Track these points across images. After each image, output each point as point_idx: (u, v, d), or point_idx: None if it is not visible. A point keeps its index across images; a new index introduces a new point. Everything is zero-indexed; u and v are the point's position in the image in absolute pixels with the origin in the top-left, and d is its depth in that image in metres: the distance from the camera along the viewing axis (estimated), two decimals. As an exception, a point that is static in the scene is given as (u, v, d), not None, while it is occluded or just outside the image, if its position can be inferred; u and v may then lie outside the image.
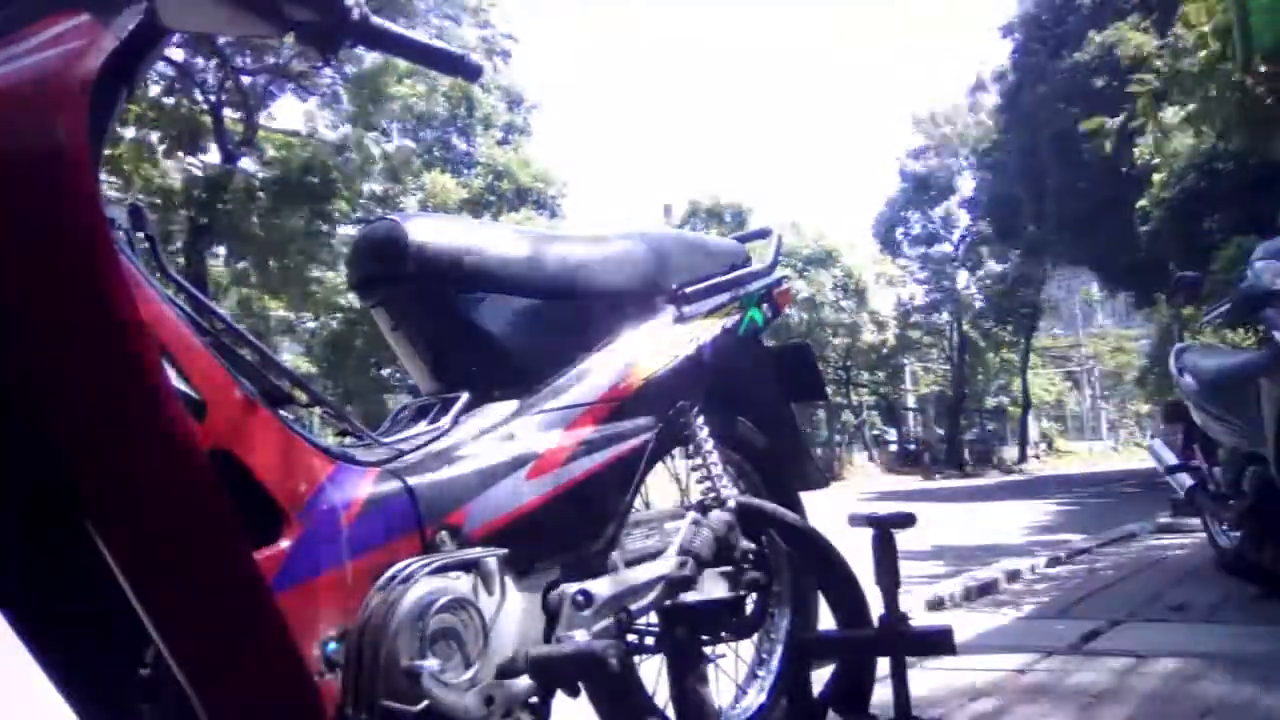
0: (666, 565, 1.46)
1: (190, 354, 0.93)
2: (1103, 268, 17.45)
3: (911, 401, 31.03)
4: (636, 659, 1.54)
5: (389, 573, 1.07)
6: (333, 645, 1.01)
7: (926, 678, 2.47)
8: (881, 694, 1.66)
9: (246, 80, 13.58)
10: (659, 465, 1.64)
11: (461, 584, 1.14)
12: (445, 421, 1.30)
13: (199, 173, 13.17)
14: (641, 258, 1.61)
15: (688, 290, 1.64)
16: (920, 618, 3.21)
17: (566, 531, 1.35)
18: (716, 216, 23.91)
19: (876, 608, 1.65)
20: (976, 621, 3.34)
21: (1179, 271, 4.49)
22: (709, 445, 1.63)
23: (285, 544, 0.98)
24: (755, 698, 1.79)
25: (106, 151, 0.99)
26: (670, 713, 1.51)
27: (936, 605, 3.73)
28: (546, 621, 1.29)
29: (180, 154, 12.90)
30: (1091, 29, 15.17)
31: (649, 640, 1.48)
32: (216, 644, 0.90)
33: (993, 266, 27.49)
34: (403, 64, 13.00)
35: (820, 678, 1.74)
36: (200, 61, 13.07)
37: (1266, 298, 3.12)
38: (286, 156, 13.93)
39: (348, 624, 1.03)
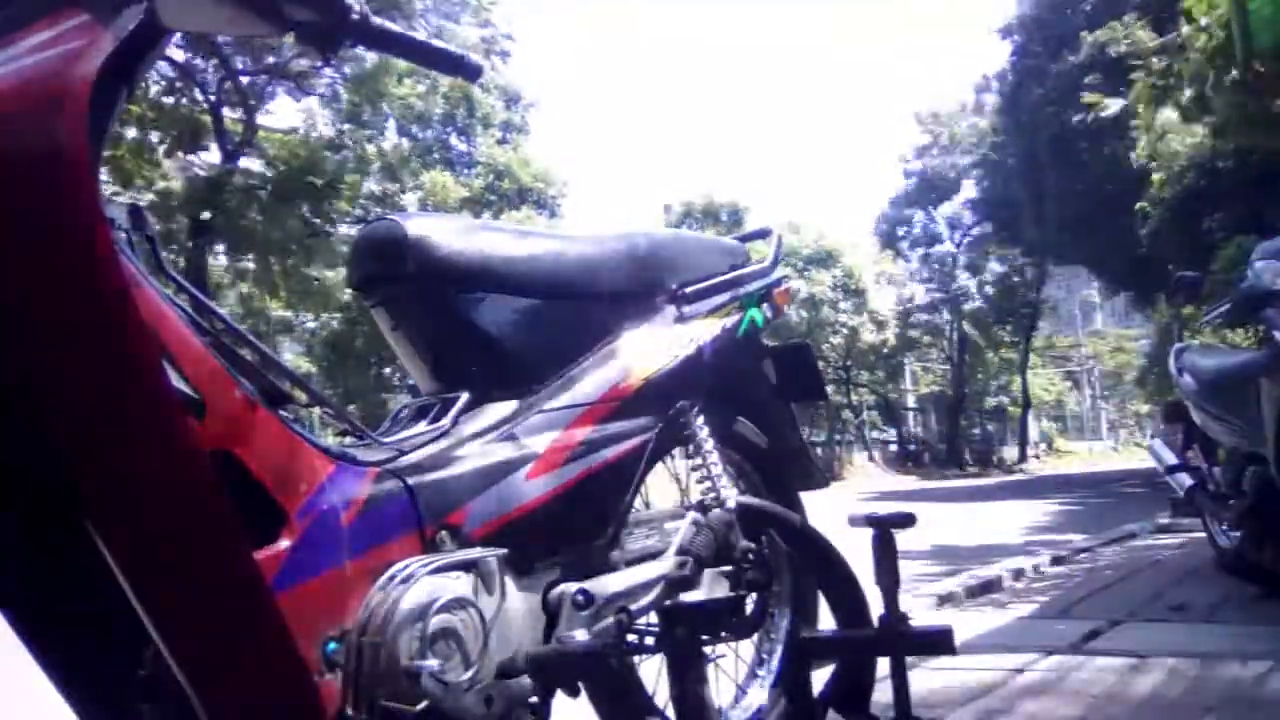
0: (666, 565, 1.46)
1: (190, 354, 0.93)
2: (1103, 268, 17.47)
3: (911, 401, 31.03)
4: (636, 659, 1.54)
5: (389, 573, 1.07)
6: (333, 645, 1.01)
7: (926, 678, 2.47)
8: (881, 694, 1.66)
9: (246, 80, 13.57)
10: (659, 465, 1.64)
11: (461, 584, 1.14)
12: (445, 421, 1.30)
13: (201, 172, 13.16)
14: (641, 258, 1.61)
15: (688, 290, 1.64)
16: (924, 616, 3.22)
17: (566, 531, 1.35)
18: (712, 216, 23.91)
19: (876, 608, 1.65)
20: (976, 621, 3.34)
21: (1179, 271, 4.49)
22: (709, 445, 1.63)
23: (285, 544, 0.98)
24: (755, 698, 1.79)
25: (106, 151, 0.99)
26: (670, 713, 1.51)
27: (945, 600, 3.74)
28: (546, 621, 1.29)
29: (180, 154, 12.89)
30: (1089, 30, 15.19)
31: (649, 640, 1.48)
32: (216, 644, 0.90)
33: (994, 267, 27.50)
34: (402, 64, 13.00)
35: (820, 678, 1.74)
36: (200, 62, 13.07)
37: (1267, 298, 3.12)
38: (286, 156, 13.92)
39: (348, 624, 1.03)
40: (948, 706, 2.22)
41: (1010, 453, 30.57)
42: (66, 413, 0.81)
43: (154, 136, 12.58)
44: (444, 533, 1.17)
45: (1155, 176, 9.77)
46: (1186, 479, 4.28)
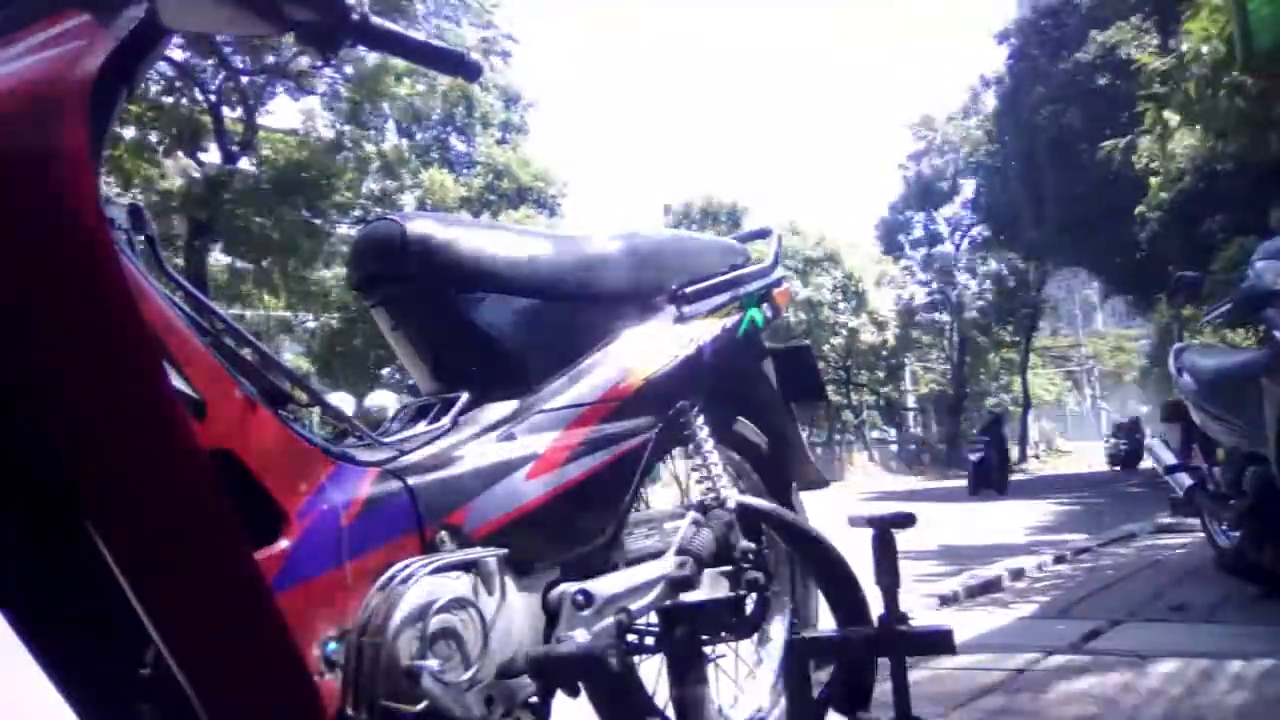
0: (666, 565, 1.46)
1: (190, 354, 0.93)
2: (1103, 270, 17.47)
3: (911, 401, 31.03)
4: (636, 659, 1.54)
5: (389, 573, 1.07)
6: (333, 645, 1.01)
7: (926, 678, 2.47)
8: (881, 694, 1.66)
9: (246, 80, 13.57)
10: (659, 465, 1.64)
11: (461, 584, 1.14)
12: (445, 421, 1.30)
13: (197, 174, 13.16)
14: (641, 258, 1.61)
15: (688, 290, 1.64)
16: (924, 616, 3.22)
17: (566, 531, 1.35)
18: (712, 217, 23.91)
19: (876, 608, 1.65)
20: (977, 621, 3.34)
21: (1179, 272, 4.49)
22: (709, 445, 1.63)
23: (285, 544, 0.98)
24: (755, 698, 1.79)
25: (106, 152, 0.99)
26: (670, 713, 1.51)
27: (945, 601, 3.74)
28: (546, 621, 1.29)
29: (180, 154, 12.90)
30: (1091, 29, 15.19)
31: (649, 640, 1.48)
32: (216, 644, 0.90)
33: (993, 267, 27.51)
34: (402, 63, 13.00)
35: (820, 678, 1.74)
36: (200, 61, 13.06)
37: (1267, 298, 3.13)
38: (285, 155, 13.92)
39: (348, 624, 1.03)
40: (948, 706, 2.22)
41: (1010, 453, 30.54)
42: (66, 413, 0.81)
43: (154, 136, 12.59)
44: (444, 533, 1.17)
45: (1153, 180, 9.78)
46: (1186, 479, 4.28)
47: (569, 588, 1.29)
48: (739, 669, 1.81)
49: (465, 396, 1.35)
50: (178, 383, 0.89)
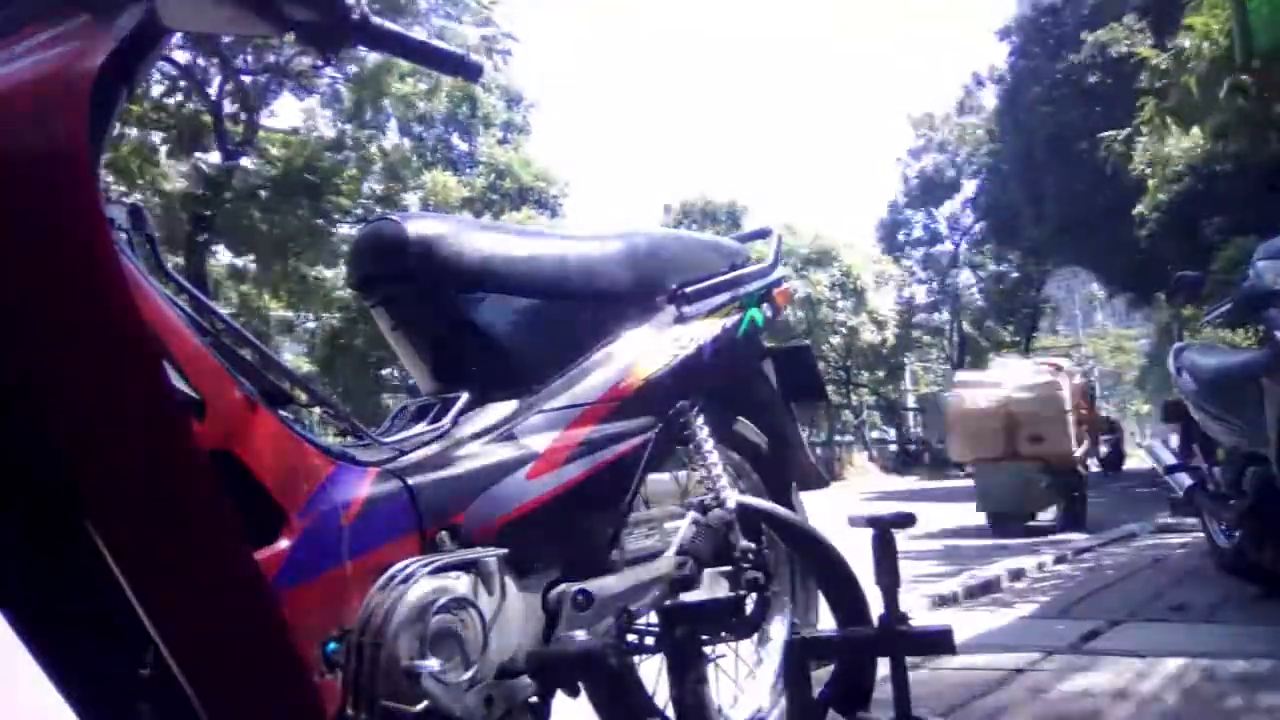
0: (666, 565, 1.46)
1: (190, 354, 0.93)
2: (1102, 269, 17.46)
3: (911, 401, 31.01)
4: (636, 659, 1.54)
5: (389, 573, 1.07)
6: (333, 645, 1.01)
7: (926, 678, 2.47)
8: (881, 694, 1.66)
9: (247, 80, 13.57)
10: (659, 465, 1.64)
11: (461, 584, 1.14)
12: (445, 421, 1.30)
13: (207, 169, 13.15)
14: (641, 258, 1.61)
15: (688, 290, 1.64)
16: (924, 616, 3.22)
17: (566, 531, 1.35)
18: (711, 216, 23.91)
19: (876, 608, 1.65)
20: (976, 621, 3.34)
21: (1179, 272, 4.49)
22: (709, 445, 1.63)
23: (285, 544, 0.98)
24: (755, 698, 1.79)
25: (106, 152, 0.99)
26: (670, 713, 1.51)
27: (946, 602, 3.74)
28: (546, 621, 1.29)
29: (180, 154, 12.90)
30: (1085, 29, 15.20)
31: (649, 640, 1.48)
32: (216, 644, 0.90)
33: (993, 267, 27.50)
34: (404, 63, 13.00)
35: (820, 678, 1.74)
36: (201, 61, 13.06)
37: (1268, 298, 3.12)
38: (287, 155, 13.92)
39: (348, 624, 1.03)
40: (948, 706, 2.22)
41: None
42: (66, 413, 0.81)
43: (154, 136, 12.58)
44: (444, 533, 1.17)
45: (1150, 183, 9.77)
46: (1186, 479, 4.28)
47: (569, 588, 1.29)
48: (739, 669, 1.81)
49: (465, 396, 1.35)
50: (178, 383, 0.90)
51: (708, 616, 1.51)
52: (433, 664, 1.05)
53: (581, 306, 1.50)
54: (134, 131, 11.79)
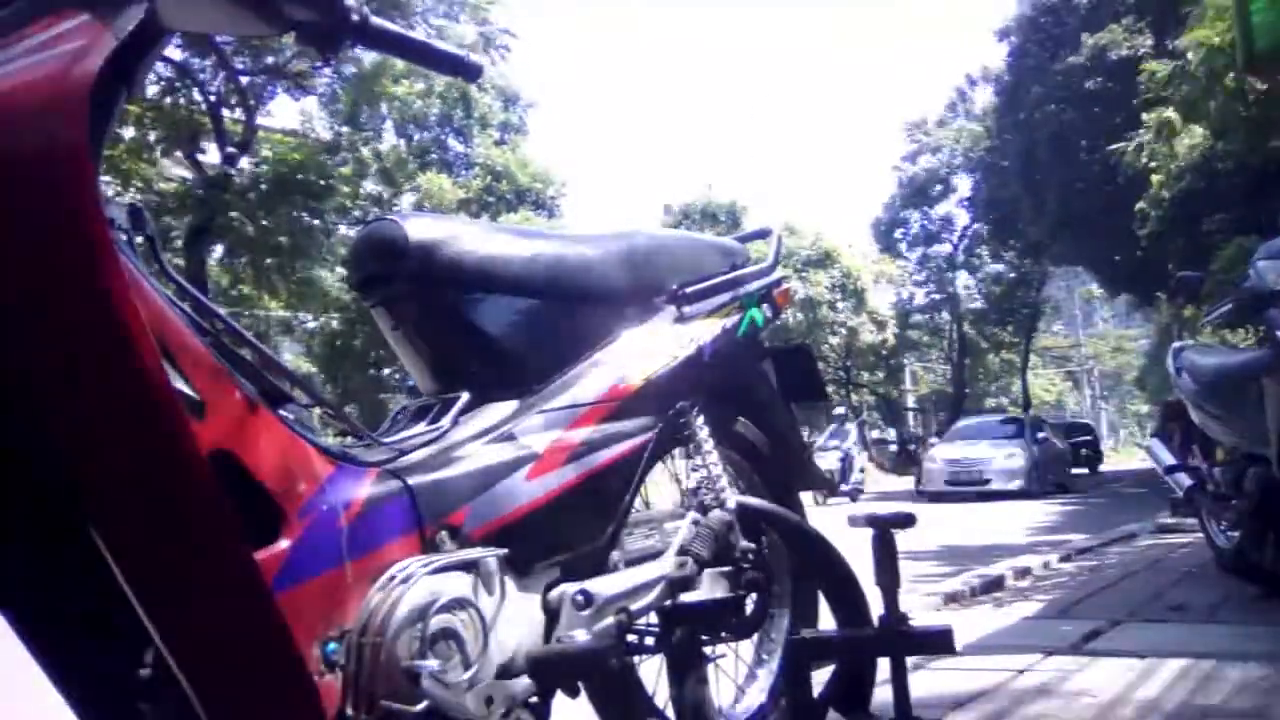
0: (666, 565, 1.46)
1: (190, 354, 0.93)
2: (1103, 269, 17.47)
3: (911, 401, 31.02)
4: (636, 659, 1.54)
5: (389, 573, 1.07)
6: (333, 645, 1.01)
7: (926, 678, 2.47)
8: (881, 694, 1.66)
9: (245, 80, 13.56)
10: (659, 465, 1.64)
11: (461, 584, 1.14)
12: (445, 421, 1.30)
13: (210, 169, 13.14)
14: (641, 258, 1.61)
15: (688, 290, 1.64)
16: (924, 616, 3.22)
17: (566, 531, 1.35)
18: (711, 217, 23.91)
19: (876, 608, 1.65)
20: (977, 621, 3.34)
21: (1179, 272, 4.49)
22: (709, 445, 1.63)
23: (285, 544, 0.98)
24: (755, 698, 1.79)
25: (106, 151, 0.99)
26: (670, 713, 1.51)
27: (946, 600, 3.74)
28: (546, 621, 1.29)
29: (179, 154, 12.89)
30: (1085, 31, 15.21)
31: (649, 640, 1.48)
32: (216, 644, 0.90)
33: (993, 267, 27.49)
34: (400, 64, 13.00)
35: (820, 678, 1.74)
36: (200, 61, 13.05)
37: (1269, 298, 3.12)
38: (284, 156, 13.92)
39: (348, 624, 1.03)
40: (948, 707, 2.22)
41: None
42: (66, 413, 0.81)
43: (153, 136, 12.58)
44: (444, 533, 1.17)
45: (1154, 179, 9.78)
46: (1186, 479, 4.28)
47: (569, 588, 1.29)
48: (739, 669, 1.81)
49: (465, 396, 1.35)
50: (178, 383, 0.89)
51: (708, 616, 1.51)
52: (433, 664, 1.05)
53: (581, 307, 1.51)
54: (131, 131, 11.79)
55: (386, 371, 17.51)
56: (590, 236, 1.61)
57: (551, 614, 1.29)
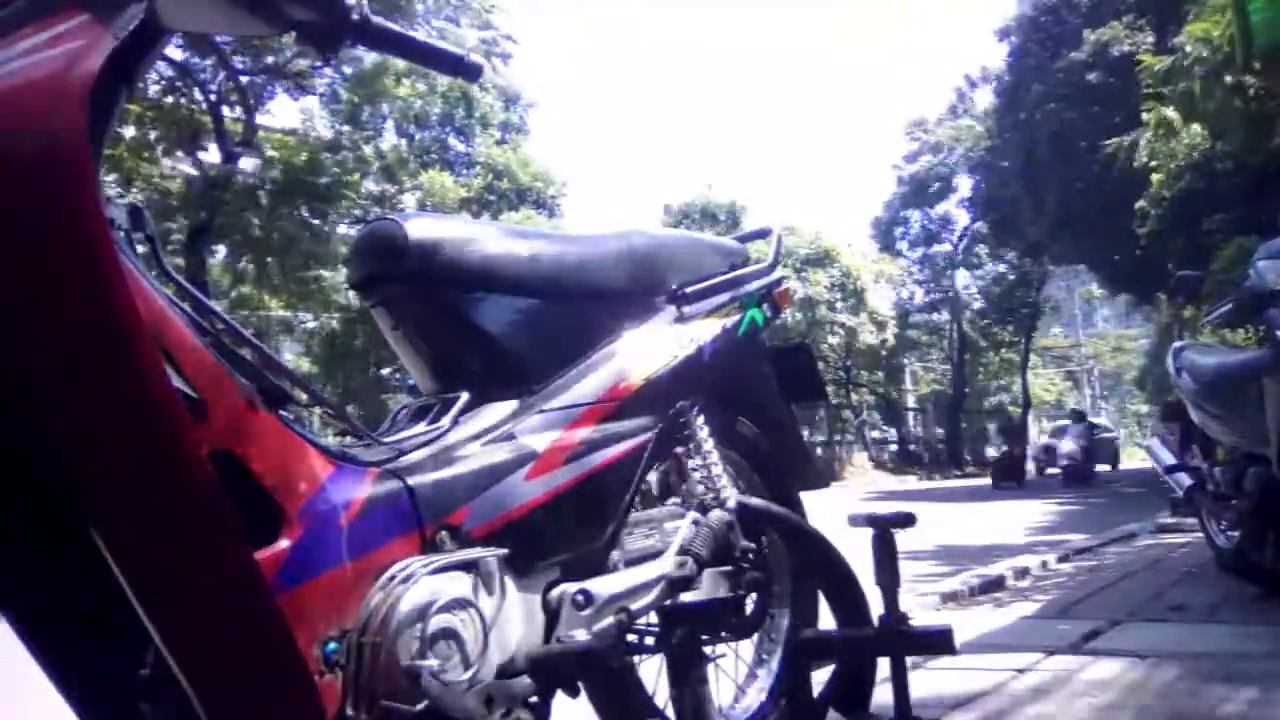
0: (666, 565, 1.46)
1: (190, 354, 0.93)
2: (1102, 268, 17.46)
3: (911, 401, 31.02)
4: (636, 659, 1.54)
5: (389, 573, 1.07)
6: (333, 645, 1.01)
7: (926, 678, 2.47)
8: (881, 694, 1.66)
9: (246, 80, 13.56)
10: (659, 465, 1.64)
11: (461, 584, 1.14)
12: (445, 421, 1.30)
13: (208, 170, 13.15)
14: (641, 258, 1.61)
15: (688, 290, 1.64)
16: (924, 616, 3.22)
17: (566, 531, 1.35)
18: (711, 216, 23.92)
19: (876, 608, 1.65)
20: (977, 621, 3.34)
21: (1179, 271, 4.49)
22: (709, 445, 1.63)
23: (285, 544, 0.98)
24: (755, 698, 1.79)
25: (106, 151, 0.99)
26: (670, 713, 1.51)
27: (946, 600, 3.74)
28: (546, 621, 1.29)
29: (179, 153, 12.89)
30: (1086, 28, 15.20)
31: (649, 640, 1.48)
32: (216, 644, 0.90)
33: (992, 267, 27.49)
34: (401, 64, 12.99)
35: (820, 678, 1.74)
36: (200, 61, 13.05)
37: (1270, 297, 3.12)
38: (285, 155, 13.92)
39: (348, 624, 1.03)
40: (948, 707, 2.22)
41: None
42: (66, 413, 0.81)
43: (153, 136, 12.58)
44: (444, 533, 1.17)
45: (1154, 177, 9.78)
46: (1186, 479, 4.28)
47: (569, 588, 1.29)
48: (739, 669, 1.81)
49: (465, 396, 1.35)
50: (178, 383, 0.89)
51: (708, 616, 1.51)
52: (433, 664, 1.05)
53: (581, 306, 1.50)
54: (132, 131, 11.79)
55: (386, 371, 17.52)
56: (590, 236, 1.61)
57: (551, 614, 1.29)
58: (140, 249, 0.98)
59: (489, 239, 1.46)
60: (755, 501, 1.67)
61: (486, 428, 1.32)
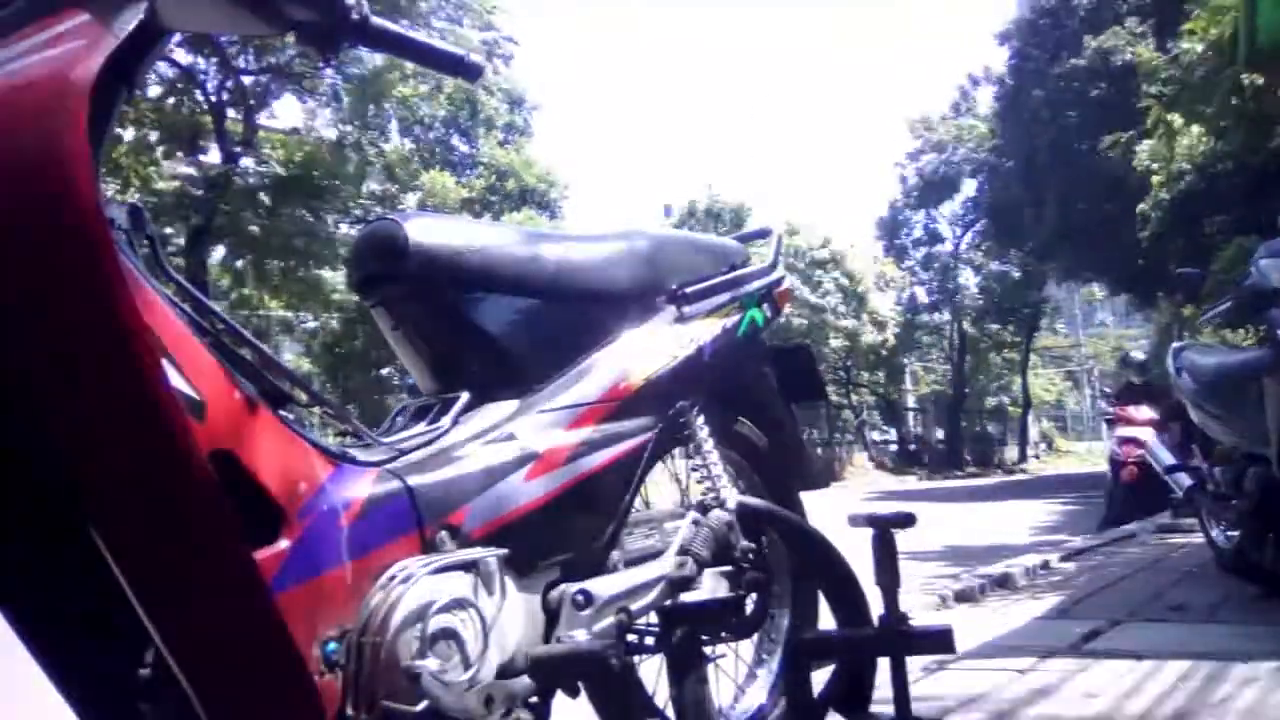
0: (666, 565, 1.46)
1: (190, 354, 0.93)
2: (1103, 269, 17.45)
3: (911, 401, 31.00)
4: (636, 659, 1.54)
5: (389, 573, 1.07)
6: (333, 645, 1.01)
7: (926, 678, 2.47)
8: (882, 694, 1.66)
9: (247, 80, 13.57)
10: (659, 465, 1.64)
11: (461, 584, 1.14)
12: (445, 421, 1.30)
13: (198, 174, 13.16)
14: (641, 258, 1.61)
15: (688, 290, 1.64)
16: (924, 616, 3.22)
17: (566, 531, 1.35)
18: (714, 217, 23.93)
19: (876, 608, 1.65)
20: (977, 621, 3.34)
21: (1179, 270, 4.48)
22: (709, 445, 1.63)
23: (285, 544, 0.98)
24: (755, 698, 1.79)
25: (106, 151, 0.99)
26: (670, 713, 1.51)
27: (951, 598, 3.75)
28: (546, 621, 1.29)
29: (179, 154, 12.90)
30: (1088, 34, 15.19)
31: (649, 640, 1.48)
32: (216, 644, 0.90)
33: (994, 266, 27.48)
34: (407, 65, 12.99)
35: (820, 678, 1.74)
36: (201, 61, 13.06)
37: (1271, 296, 3.12)
38: (286, 156, 13.92)
39: (348, 624, 1.03)
40: (948, 706, 2.22)
41: (1010, 453, 30.59)
42: (66, 413, 0.82)
43: (153, 136, 12.59)
44: (444, 533, 1.17)
45: (1155, 179, 9.78)
46: (1185, 479, 4.28)
47: (569, 588, 1.29)
48: (739, 669, 1.81)
49: (465, 396, 1.35)
50: (178, 383, 0.89)
51: (708, 616, 1.51)
52: (433, 664, 1.05)
53: (582, 307, 1.50)
54: (131, 131, 11.80)
55: (386, 371, 17.51)
56: (591, 236, 1.61)
57: (551, 614, 1.29)
58: (141, 249, 0.98)
59: (489, 239, 1.46)
60: (755, 501, 1.67)
61: (486, 428, 1.32)
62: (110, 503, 0.84)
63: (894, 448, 27.85)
